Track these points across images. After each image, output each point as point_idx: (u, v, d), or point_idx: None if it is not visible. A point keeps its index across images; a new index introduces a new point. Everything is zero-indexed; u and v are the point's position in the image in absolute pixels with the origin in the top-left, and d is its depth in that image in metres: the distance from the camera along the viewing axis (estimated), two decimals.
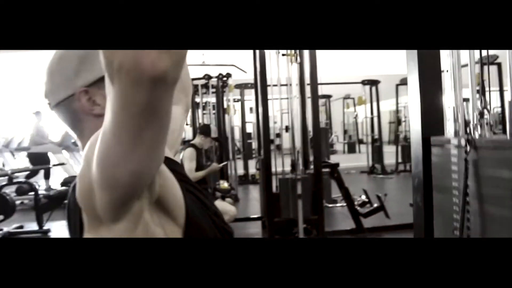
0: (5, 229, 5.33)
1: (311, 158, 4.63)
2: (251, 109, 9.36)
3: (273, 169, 4.86)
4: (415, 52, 2.53)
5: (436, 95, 2.48)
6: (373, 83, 10.08)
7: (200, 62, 7.82)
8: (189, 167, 4.40)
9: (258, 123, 5.14)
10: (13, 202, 5.43)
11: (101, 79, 0.80)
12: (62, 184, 6.97)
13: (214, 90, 8.14)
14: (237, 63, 7.75)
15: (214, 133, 4.83)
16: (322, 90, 6.48)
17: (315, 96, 4.51)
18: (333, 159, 8.97)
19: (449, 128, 2.30)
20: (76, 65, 0.84)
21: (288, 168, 4.77)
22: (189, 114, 9.48)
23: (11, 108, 11.47)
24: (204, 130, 4.73)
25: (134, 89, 0.55)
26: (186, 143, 4.70)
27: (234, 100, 9.50)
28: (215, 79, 7.92)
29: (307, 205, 4.48)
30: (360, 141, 12.36)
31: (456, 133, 2.27)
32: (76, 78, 0.84)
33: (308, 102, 4.62)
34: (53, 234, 5.34)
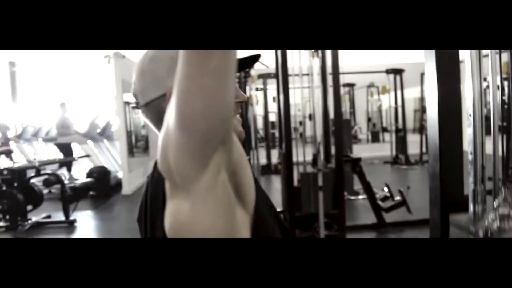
0: (34, 218, 5.49)
1: (333, 151, 4.61)
2: (274, 98, 9.33)
3: (295, 159, 4.86)
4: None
5: (454, 85, 2.41)
6: (397, 72, 9.91)
7: None
8: None
9: (280, 113, 5.13)
10: (41, 193, 5.59)
11: None
12: (88, 175, 7.12)
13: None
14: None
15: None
16: (344, 79, 6.41)
17: (337, 89, 4.47)
18: (356, 149, 8.94)
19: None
20: (168, 66, 0.85)
21: (310, 158, 4.75)
22: None
23: (39, 98, 11.72)
24: None
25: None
26: None
27: (257, 89, 9.49)
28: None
29: (328, 199, 4.48)
30: (384, 129, 12.21)
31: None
32: (167, 79, 0.85)
33: (330, 92, 4.58)
34: (79, 224, 5.48)
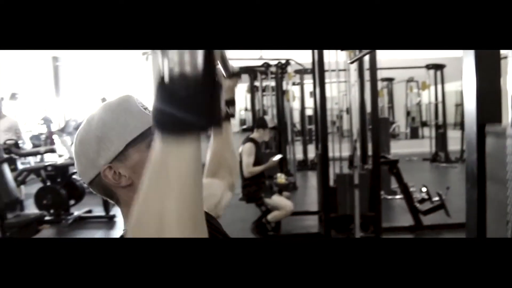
0: (76, 213, 5.68)
1: (370, 151, 4.55)
2: (311, 93, 9.28)
3: (332, 154, 4.84)
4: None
5: (494, 78, 2.31)
6: (438, 67, 9.64)
7: (258, 56, 7.80)
8: (247, 161, 4.47)
9: (316, 109, 5.08)
10: (82, 188, 5.78)
11: (120, 153, 0.87)
12: None
13: (273, 76, 8.16)
14: (295, 52, 7.67)
15: (270, 122, 4.84)
16: (382, 73, 6.26)
17: (375, 88, 4.39)
18: (394, 145, 8.76)
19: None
20: (95, 147, 0.88)
21: (347, 153, 4.71)
22: (248, 98, 9.55)
23: (81, 92, 12.04)
24: (260, 123, 4.75)
25: None
26: (246, 138, 4.76)
27: (294, 84, 9.45)
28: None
29: (365, 201, 4.44)
30: (424, 124, 11.93)
31: None
32: (98, 158, 0.88)
33: (368, 87, 4.51)
34: (118, 219, 5.63)
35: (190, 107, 0.50)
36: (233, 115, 1.30)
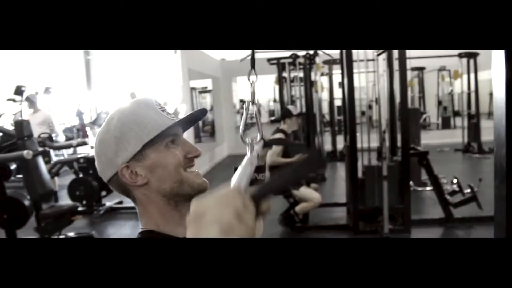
0: (107, 204, 5.82)
1: (400, 142, 4.48)
2: (339, 83, 9.19)
3: (365, 145, 4.79)
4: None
5: None
6: (471, 55, 9.38)
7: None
8: (273, 150, 4.47)
9: (344, 99, 5.02)
10: None
11: (138, 153, 0.91)
12: None
13: (301, 67, 8.12)
14: None
15: (295, 110, 4.81)
16: (411, 62, 6.13)
17: (404, 78, 4.31)
18: (425, 136, 8.60)
19: None
20: (114, 147, 0.92)
21: (377, 144, 4.65)
22: (277, 89, 9.52)
23: (112, 85, 12.24)
24: (285, 113, 4.73)
25: None
26: (276, 129, 4.76)
27: (322, 74, 9.37)
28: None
29: (393, 193, 4.40)
30: (456, 114, 11.64)
31: None
32: (116, 158, 0.92)
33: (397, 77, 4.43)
34: None
35: None
36: (263, 182, 1.35)
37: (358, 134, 4.95)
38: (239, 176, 0.77)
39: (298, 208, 4.56)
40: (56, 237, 4.20)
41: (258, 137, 1.19)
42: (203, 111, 1.00)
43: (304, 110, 7.87)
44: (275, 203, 5.01)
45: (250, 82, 1.16)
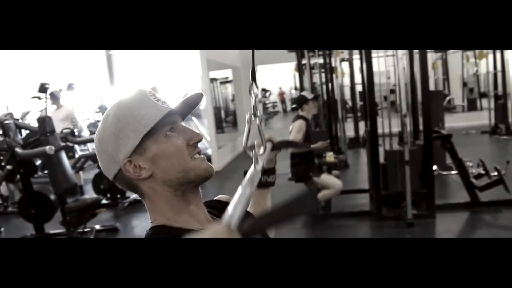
0: (132, 196, 5.89)
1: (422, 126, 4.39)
2: (360, 68, 9.06)
3: (384, 130, 4.71)
4: None
5: None
6: None
7: None
8: (295, 137, 4.45)
9: (363, 84, 4.93)
10: None
11: (138, 146, 0.89)
12: None
13: (321, 53, 8.02)
14: None
15: (309, 95, 4.76)
16: None
17: (424, 62, 4.21)
18: (449, 119, 8.41)
19: None
20: (113, 143, 0.91)
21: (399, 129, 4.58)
22: (297, 77, 9.44)
23: (134, 80, 12.36)
24: (301, 100, 4.68)
25: None
26: (295, 116, 4.74)
27: (343, 60, 9.25)
28: None
29: (416, 177, 4.32)
30: (482, 95, 11.35)
31: None
32: (117, 154, 0.91)
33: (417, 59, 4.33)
34: None
35: None
36: (273, 184, 1.32)
37: (380, 119, 4.88)
38: (234, 206, 0.73)
39: (319, 195, 4.53)
40: (80, 231, 4.28)
41: (262, 149, 1.17)
42: (199, 95, 0.97)
43: (325, 97, 7.79)
44: (295, 190, 4.98)
45: (252, 95, 1.14)
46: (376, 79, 5.32)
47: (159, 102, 0.92)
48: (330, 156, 4.65)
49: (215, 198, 1.19)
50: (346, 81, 9.59)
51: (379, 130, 4.73)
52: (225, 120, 11.68)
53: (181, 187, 0.92)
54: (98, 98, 12.00)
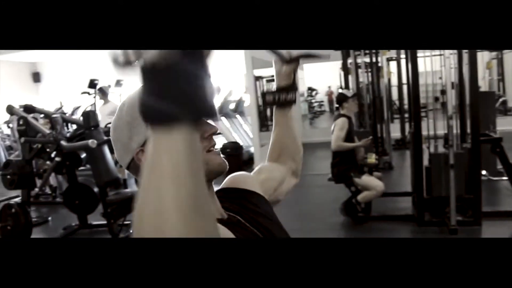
0: None
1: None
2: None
3: (428, 132, 4.55)
4: None
5: None
6: None
7: None
8: (337, 134, 4.42)
9: (409, 85, 4.77)
10: None
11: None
12: (221, 151, 7.53)
13: (367, 52, 7.85)
14: None
15: (348, 93, 4.70)
16: None
17: (473, 61, 4.01)
18: (503, 123, 8.00)
19: None
20: (127, 132, 0.90)
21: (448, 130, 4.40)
22: (341, 76, 9.31)
23: None
24: (340, 98, 4.65)
25: None
26: (337, 114, 4.69)
27: (391, 59, 9.02)
28: None
29: (462, 182, 4.13)
30: None
31: None
32: (131, 143, 0.91)
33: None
34: None
35: (175, 97, 0.48)
36: (293, 101, 1.27)
37: (429, 121, 4.71)
38: None
39: (360, 197, 4.43)
40: (120, 223, 4.38)
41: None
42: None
43: (371, 95, 7.62)
44: (336, 191, 4.90)
45: None
46: (428, 79, 5.14)
47: None
48: (371, 157, 4.53)
49: (221, 187, 1.15)
50: (394, 80, 9.35)
51: (427, 132, 4.58)
52: (271, 118, 11.66)
53: None
54: None
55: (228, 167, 0.96)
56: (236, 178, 1.18)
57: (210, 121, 0.94)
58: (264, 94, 1.29)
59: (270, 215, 1.11)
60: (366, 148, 4.87)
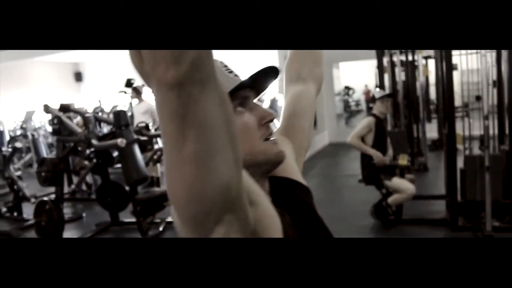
0: None
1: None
2: (454, 66, 8.51)
3: (464, 133, 4.41)
4: None
5: None
6: None
7: None
8: (356, 130, 4.37)
9: (443, 85, 4.59)
10: None
11: None
12: None
13: (403, 50, 7.65)
14: None
15: (379, 93, 4.54)
16: None
17: None
18: None
19: None
20: None
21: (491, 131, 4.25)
22: (376, 74, 9.12)
23: None
24: (372, 98, 4.54)
25: (161, 96, 0.52)
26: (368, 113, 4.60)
27: (430, 57, 8.75)
28: None
29: (499, 186, 3.95)
30: None
31: None
32: None
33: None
34: None
35: None
36: None
37: (467, 121, 4.55)
38: None
39: (390, 200, 4.31)
40: (149, 221, 4.43)
41: None
42: (273, 69, 0.86)
43: (406, 96, 7.42)
44: (367, 193, 4.79)
45: None
46: (470, 78, 4.94)
47: (231, 74, 0.85)
48: (403, 159, 4.40)
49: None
50: (432, 79, 9.07)
51: (463, 132, 4.42)
52: None
53: (248, 170, 0.77)
54: None
55: (286, 157, 0.88)
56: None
57: (267, 108, 0.87)
58: None
59: (309, 206, 0.98)
60: (398, 149, 4.74)
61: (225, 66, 0.85)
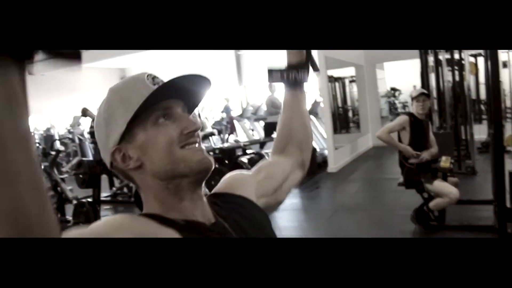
0: None
1: None
2: (504, 63, 8.09)
3: None
4: None
5: None
6: None
7: None
8: (387, 126, 4.33)
9: (488, 82, 4.38)
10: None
11: (127, 134, 0.81)
12: None
13: None
14: None
15: (414, 92, 4.38)
16: None
17: None
18: None
19: None
20: (104, 130, 0.84)
21: None
22: (418, 75, 8.82)
23: (260, 78, 12.64)
24: (412, 95, 4.38)
25: None
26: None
27: (480, 55, 8.36)
28: None
29: None
30: None
31: None
32: (108, 141, 0.84)
33: None
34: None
35: None
36: (304, 81, 1.13)
37: None
38: None
39: (431, 204, 4.10)
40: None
41: None
42: (199, 77, 0.86)
43: (453, 96, 7.11)
44: (408, 197, 4.59)
45: None
46: None
47: (156, 86, 0.82)
48: (445, 161, 4.17)
49: (215, 190, 1.04)
50: (482, 78, 8.66)
51: None
52: (352, 120, 11.27)
53: (174, 181, 0.82)
54: (223, 98, 12.46)
55: (213, 164, 0.86)
56: (230, 182, 1.07)
57: (192, 118, 0.86)
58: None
59: (262, 225, 1.00)
60: (444, 151, 4.51)
61: (153, 78, 0.84)
